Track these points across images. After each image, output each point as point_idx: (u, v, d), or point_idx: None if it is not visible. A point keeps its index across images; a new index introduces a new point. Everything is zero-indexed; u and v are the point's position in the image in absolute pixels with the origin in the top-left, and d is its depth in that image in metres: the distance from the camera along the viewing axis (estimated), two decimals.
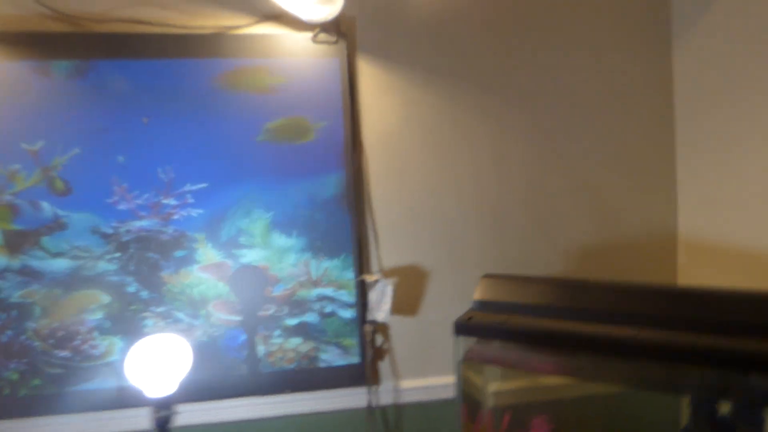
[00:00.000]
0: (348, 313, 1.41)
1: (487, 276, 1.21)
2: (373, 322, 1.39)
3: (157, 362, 1.02)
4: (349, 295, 1.41)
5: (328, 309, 1.41)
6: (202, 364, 1.35)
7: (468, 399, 1.24)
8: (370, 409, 1.42)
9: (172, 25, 1.29)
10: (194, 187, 1.33)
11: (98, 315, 1.32)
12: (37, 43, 1.24)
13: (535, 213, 1.46)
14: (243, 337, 1.38)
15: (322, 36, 1.34)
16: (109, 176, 1.29)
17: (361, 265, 1.40)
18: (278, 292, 1.38)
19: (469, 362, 1.23)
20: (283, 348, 1.40)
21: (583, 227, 1.49)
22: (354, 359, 1.42)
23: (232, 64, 1.32)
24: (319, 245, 1.38)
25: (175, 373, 1.04)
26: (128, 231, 1.31)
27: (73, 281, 1.30)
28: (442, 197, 1.43)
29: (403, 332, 1.43)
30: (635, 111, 1.49)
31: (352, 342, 1.42)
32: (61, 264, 1.30)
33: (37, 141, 1.26)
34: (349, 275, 1.40)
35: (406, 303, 1.45)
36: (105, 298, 1.32)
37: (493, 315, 1.19)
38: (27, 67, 1.25)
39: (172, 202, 1.32)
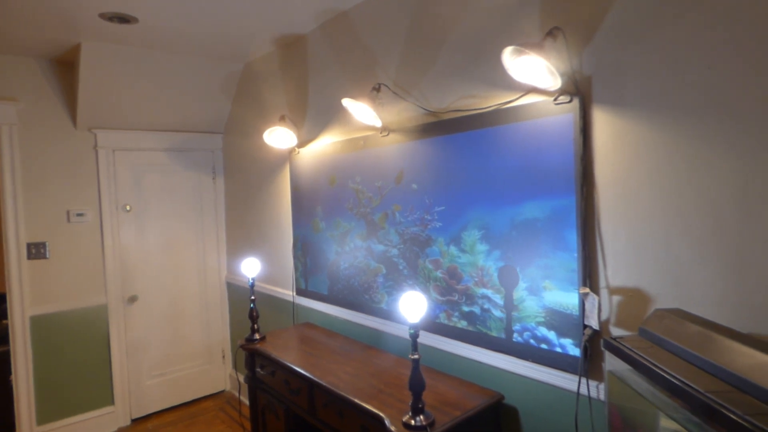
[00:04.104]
0: (498, 313, 1.60)
1: (659, 310, 1.24)
2: (589, 327, 1.56)
3: (411, 303, 1.61)
4: (501, 299, 1.66)
5: (486, 306, 1.65)
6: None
7: (621, 407, 1.24)
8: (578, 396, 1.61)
9: (475, 108, 1.95)
10: (439, 209, 1.91)
11: (380, 279, 2.08)
12: (421, 130, 2.18)
13: None
14: (440, 310, 1.85)
15: (562, 98, 1.66)
16: (410, 200, 2.06)
17: (584, 278, 1.57)
18: (461, 285, 1.70)
19: (611, 374, 1.25)
20: (457, 326, 1.82)
21: None
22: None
23: (502, 129, 1.80)
24: (510, 256, 1.61)
25: (418, 310, 1.60)
26: (407, 232, 2.03)
27: (380, 259, 2.14)
28: (671, 231, 1.43)
29: None
30: None
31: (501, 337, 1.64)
32: (379, 248, 2.17)
33: (378, 180, 2.22)
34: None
35: (629, 320, 1.52)
36: (384, 269, 2.07)
37: (644, 344, 1.17)
38: (416, 142, 2.26)
39: (428, 217, 1.94)
